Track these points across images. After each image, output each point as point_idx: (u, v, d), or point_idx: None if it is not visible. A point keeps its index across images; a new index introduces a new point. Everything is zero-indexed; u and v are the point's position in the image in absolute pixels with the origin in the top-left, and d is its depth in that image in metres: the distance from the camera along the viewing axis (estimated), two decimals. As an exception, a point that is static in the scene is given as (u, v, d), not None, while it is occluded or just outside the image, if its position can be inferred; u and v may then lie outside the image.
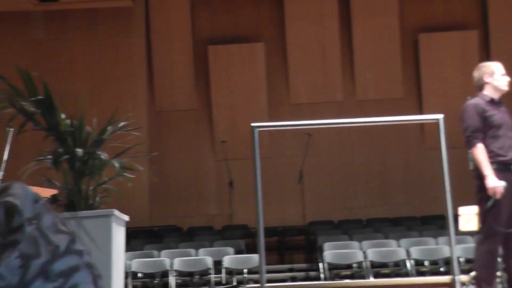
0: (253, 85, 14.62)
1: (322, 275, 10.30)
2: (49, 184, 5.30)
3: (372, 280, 9.68)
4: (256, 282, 9.86)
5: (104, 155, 5.28)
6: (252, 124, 5.79)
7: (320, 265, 10.60)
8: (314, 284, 8.85)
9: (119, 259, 5.25)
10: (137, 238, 11.95)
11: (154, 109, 14.78)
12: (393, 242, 10.94)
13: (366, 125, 10.67)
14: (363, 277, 10.00)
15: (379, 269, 10.51)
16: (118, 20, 14.57)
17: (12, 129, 6.58)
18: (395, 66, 14.67)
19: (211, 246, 11.40)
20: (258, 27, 14.99)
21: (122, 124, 5.56)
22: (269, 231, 10.79)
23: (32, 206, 1.09)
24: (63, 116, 5.29)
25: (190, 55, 14.78)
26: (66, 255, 1.08)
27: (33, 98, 5.15)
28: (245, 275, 9.98)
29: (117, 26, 14.59)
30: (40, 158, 5.33)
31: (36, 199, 1.11)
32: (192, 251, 10.86)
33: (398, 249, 10.53)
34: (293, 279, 11.31)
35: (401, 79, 14.77)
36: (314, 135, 13.51)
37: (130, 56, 14.60)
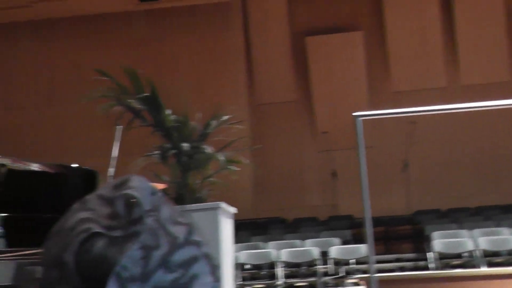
0: (353, 74, 14.46)
1: (431, 265, 10.08)
2: (158, 179, 5.43)
3: (485, 269, 9.38)
4: (364, 272, 9.77)
5: (209, 149, 5.36)
6: (354, 114, 5.73)
7: (429, 254, 10.37)
8: (425, 274, 8.68)
9: (228, 251, 5.31)
10: (242, 230, 12.07)
11: (255, 102, 14.89)
12: (505, 230, 10.57)
13: (472, 111, 10.34)
14: (474, 267, 9.72)
15: (491, 258, 10.18)
16: (217, 15, 14.75)
17: (120, 126, 6.77)
18: (501, 48, 14.14)
19: (316, 237, 11.38)
20: (356, 16, 14.81)
21: (225, 118, 5.62)
22: (374, 221, 10.59)
23: (150, 198, 1.11)
24: (168, 112, 5.40)
25: (289, 46, 14.78)
26: (185, 246, 1.09)
27: (140, 96, 5.29)
28: (352, 266, 9.89)
29: (216, 21, 14.78)
30: (148, 153, 5.46)
31: (154, 191, 1.13)
32: (298, 242, 10.87)
33: (511, 237, 10.17)
34: (401, 269, 11.13)
35: (508, 62, 14.22)
36: (418, 123, 13.23)
37: (229, 51, 14.75)
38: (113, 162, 6.82)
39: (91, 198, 1.12)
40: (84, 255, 1.03)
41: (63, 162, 8.33)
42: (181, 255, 1.08)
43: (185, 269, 1.07)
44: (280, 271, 9.95)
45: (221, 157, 5.34)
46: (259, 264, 10.29)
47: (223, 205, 5.16)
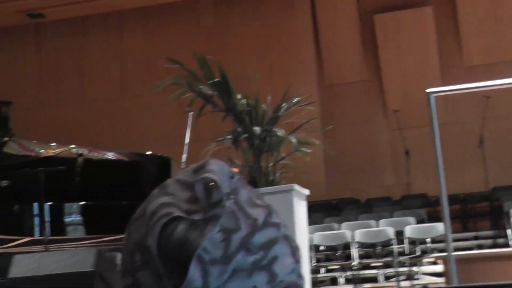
0: (424, 50, 14.19)
1: (511, 242, 9.85)
2: (230, 163, 5.48)
3: None
4: (440, 251, 9.63)
5: (280, 132, 5.37)
6: (427, 90, 5.63)
7: (508, 231, 10.14)
8: (504, 251, 8.49)
9: (303, 233, 5.32)
10: (316, 212, 12.07)
11: (324, 83, 14.80)
12: None
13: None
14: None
15: None
16: (283, -2, 14.72)
17: (191, 112, 6.85)
18: None
19: (391, 217, 11.27)
20: (424, -10, 14.51)
21: (295, 100, 5.62)
22: (450, 199, 10.42)
23: (229, 181, 1.12)
24: (238, 96, 5.43)
25: (357, 25, 14.61)
26: (265, 228, 1.10)
27: (210, 81, 5.33)
28: (428, 245, 9.76)
29: (282, 4, 14.74)
30: (220, 138, 5.51)
31: (232, 174, 1.14)
32: (373, 222, 10.80)
33: None
34: (480, 247, 10.93)
35: None
36: (492, 97, 12.89)
37: (297, 32, 14.70)
38: (186, 148, 6.93)
39: (170, 183, 1.14)
40: (166, 239, 1.05)
41: (137, 150, 8.52)
42: (261, 237, 1.08)
43: (265, 251, 1.08)
44: (354, 251, 9.91)
45: (293, 139, 5.34)
46: (334, 246, 10.27)
47: (297, 187, 5.16)
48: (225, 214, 1.05)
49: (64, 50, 15.66)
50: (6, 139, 6.72)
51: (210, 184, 1.08)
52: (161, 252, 1.04)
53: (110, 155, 7.46)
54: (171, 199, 1.09)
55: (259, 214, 1.10)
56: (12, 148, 6.75)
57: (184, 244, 1.03)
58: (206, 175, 1.09)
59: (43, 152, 6.84)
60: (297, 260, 1.14)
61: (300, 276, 1.14)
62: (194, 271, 1.00)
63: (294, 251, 1.14)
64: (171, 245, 1.04)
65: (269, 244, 1.09)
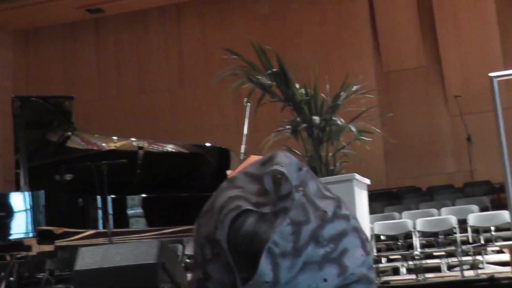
0: (484, 33, 13.86)
1: None
2: (290, 153, 5.44)
3: None
4: (505, 239, 9.42)
5: (340, 121, 5.32)
6: (490, 74, 5.50)
7: None
8: None
9: (364, 223, 5.27)
10: (376, 201, 11.95)
11: (382, 70, 14.62)
12: None
13: None
14: None
15: None
16: (338, -15, 14.59)
17: (249, 103, 6.85)
18: None
19: (453, 205, 11.07)
20: (484, -28, 14.16)
21: (354, 88, 5.56)
22: (515, 186, 10.23)
23: (297, 173, 1.11)
24: (297, 86, 5.40)
25: (414, 9, 14.37)
26: (334, 220, 1.08)
27: (269, 71, 5.31)
28: (493, 233, 9.56)
29: (338, -9, 14.61)
30: (280, 129, 5.49)
31: (300, 166, 1.13)
32: (434, 210, 10.62)
33: None
34: (546, 234, 10.63)
35: None
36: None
37: (354, 19, 14.55)
38: (244, 139, 6.94)
39: (239, 176, 1.13)
40: (236, 233, 1.04)
41: (196, 141, 8.57)
42: (330, 229, 1.07)
43: (335, 243, 1.07)
44: (416, 241, 9.77)
45: (353, 128, 5.29)
46: (395, 235, 10.15)
47: (357, 176, 5.11)
48: (294, 206, 1.04)
49: (123, 44, 15.88)
50: (69, 133, 6.84)
51: (279, 176, 1.07)
52: (231, 245, 1.03)
53: (169, 147, 7.53)
54: (240, 192, 1.08)
55: (328, 206, 1.09)
56: (75, 142, 6.87)
57: (254, 237, 1.02)
58: (274, 167, 1.08)
59: (104, 145, 6.95)
60: (367, 252, 1.13)
61: (370, 269, 1.13)
62: (264, 264, 1.00)
63: (364, 243, 1.13)
64: (240, 238, 1.03)
65: (339, 236, 1.07)
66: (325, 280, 1.05)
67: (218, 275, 1.07)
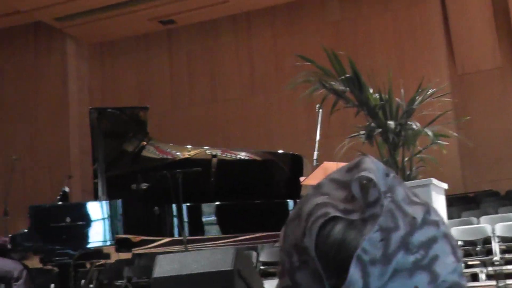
0: None
1: None
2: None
3: None
4: None
5: (415, 125, 5.24)
6: None
7: None
8: None
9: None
10: (453, 206, 11.71)
11: (456, 73, 14.34)
12: None
13: None
14: None
15: None
16: (409, -11, 14.41)
17: (321, 109, 6.82)
18: None
19: (534, 209, 10.75)
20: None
21: (430, 92, 5.47)
22: None
23: (385, 179, 1.09)
24: (371, 90, 5.35)
25: (490, 10, 14.04)
26: (424, 226, 1.06)
27: (342, 77, 5.28)
28: None
29: (409, -5, 14.43)
30: (354, 134, 5.45)
31: (387, 172, 1.11)
32: (514, 215, 10.34)
33: None
34: None
35: None
36: None
37: (426, 22, 14.33)
38: (317, 145, 6.91)
39: (324, 183, 1.12)
40: (324, 240, 1.03)
41: (268, 148, 8.59)
42: (420, 236, 1.05)
43: (425, 250, 1.04)
44: (496, 246, 9.52)
45: (429, 132, 5.20)
46: (473, 240, 9.92)
47: (435, 181, 5.02)
48: (383, 213, 1.02)
49: (195, 53, 16.09)
50: (144, 143, 6.96)
51: (367, 182, 1.06)
52: (319, 253, 1.02)
53: (242, 155, 7.56)
54: (327, 199, 1.07)
55: (417, 212, 1.07)
56: (151, 151, 6.98)
57: (343, 245, 1.01)
58: (362, 173, 1.07)
59: (179, 154, 7.02)
60: (458, 259, 1.10)
61: (461, 276, 1.10)
62: (354, 272, 0.98)
63: (455, 249, 1.10)
64: (329, 245, 1.02)
65: (429, 243, 1.05)
66: (416, 287, 1.03)
67: (306, 282, 1.06)
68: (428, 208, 1.10)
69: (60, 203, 6.67)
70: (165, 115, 15.58)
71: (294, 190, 6.58)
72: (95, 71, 16.61)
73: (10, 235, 6.36)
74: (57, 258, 6.23)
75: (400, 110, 5.41)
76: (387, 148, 5.31)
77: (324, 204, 1.07)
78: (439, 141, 5.36)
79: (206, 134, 14.85)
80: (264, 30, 15.56)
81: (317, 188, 1.13)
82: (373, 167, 1.10)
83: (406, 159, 5.34)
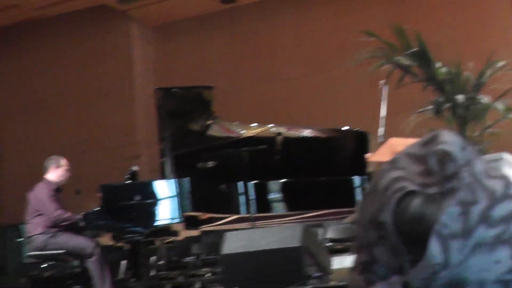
0: None
1: None
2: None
3: None
4: None
5: (485, 99, 5.12)
6: None
7: None
8: None
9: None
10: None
11: (527, 45, 13.91)
12: None
13: None
14: None
15: None
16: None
17: (386, 85, 6.73)
18: None
19: None
20: None
21: (500, 64, 5.33)
22: None
23: (462, 152, 1.07)
24: (438, 64, 5.25)
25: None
26: (504, 200, 1.04)
27: (408, 52, 5.20)
28: None
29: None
30: (422, 109, 5.37)
31: (464, 145, 1.09)
32: None
33: None
34: None
35: None
36: None
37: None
38: (382, 122, 6.83)
39: (399, 157, 1.11)
40: (401, 214, 1.03)
41: (332, 126, 8.54)
42: (501, 210, 1.03)
43: (506, 224, 1.03)
44: None
45: (499, 105, 5.08)
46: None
47: (506, 156, 4.91)
48: (462, 186, 1.01)
49: (256, 32, 16.08)
50: (210, 122, 7.02)
51: (444, 156, 1.04)
52: (396, 227, 1.02)
53: (307, 133, 7.55)
54: (403, 173, 1.06)
55: (496, 186, 1.05)
56: (216, 130, 7.04)
57: (421, 219, 1.00)
58: (439, 147, 1.05)
59: (244, 132, 7.07)
60: (539, 235, 1.07)
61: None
62: (434, 246, 0.98)
63: (533, 224, 1.07)
64: (406, 220, 1.02)
65: (510, 217, 1.03)
66: (498, 262, 1.02)
67: (384, 257, 1.06)
68: (507, 182, 1.08)
69: (129, 181, 6.81)
70: (228, 94, 15.65)
71: (360, 166, 6.55)
72: (159, 53, 16.79)
73: (83, 213, 6.54)
74: (128, 236, 6.38)
75: (468, 83, 5.30)
76: (456, 123, 5.21)
77: (401, 178, 1.06)
78: (510, 115, 5.23)
79: (270, 112, 14.86)
80: (326, 7, 15.40)
81: (392, 162, 1.12)
82: (450, 140, 1.08)
83: (476, 133, 5.23)
